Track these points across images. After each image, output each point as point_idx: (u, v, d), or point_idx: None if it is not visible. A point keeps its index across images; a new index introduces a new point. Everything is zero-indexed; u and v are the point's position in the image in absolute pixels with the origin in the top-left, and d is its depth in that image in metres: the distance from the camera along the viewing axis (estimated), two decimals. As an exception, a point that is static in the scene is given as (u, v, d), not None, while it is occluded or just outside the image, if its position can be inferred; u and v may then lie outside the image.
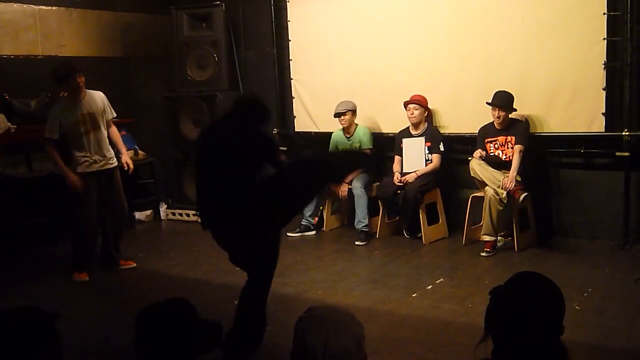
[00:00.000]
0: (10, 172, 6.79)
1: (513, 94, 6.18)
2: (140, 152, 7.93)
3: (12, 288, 5.56)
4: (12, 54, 7.05)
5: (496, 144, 6.31)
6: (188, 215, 8.05)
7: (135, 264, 6.19)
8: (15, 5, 7.07)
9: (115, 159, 6.03)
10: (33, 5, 7.22)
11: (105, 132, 5.93)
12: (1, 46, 6.98)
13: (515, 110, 6.22)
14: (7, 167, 6.81)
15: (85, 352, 4.20)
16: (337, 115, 7.02)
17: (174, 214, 8.18)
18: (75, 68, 5.72)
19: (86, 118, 5.75)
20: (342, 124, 7.06)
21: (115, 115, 6.11)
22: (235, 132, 4.05)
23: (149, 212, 8.16)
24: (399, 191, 6.60)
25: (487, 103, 6.23)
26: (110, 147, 5.98)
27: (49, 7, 7.38)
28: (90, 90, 5.88)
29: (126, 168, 6.11)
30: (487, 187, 6.07)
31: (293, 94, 7.96)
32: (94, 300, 5.36)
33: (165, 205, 8.26)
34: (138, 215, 8.03)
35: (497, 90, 6.20)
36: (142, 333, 2.08)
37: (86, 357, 4.17)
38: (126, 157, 6.16)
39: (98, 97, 5.90)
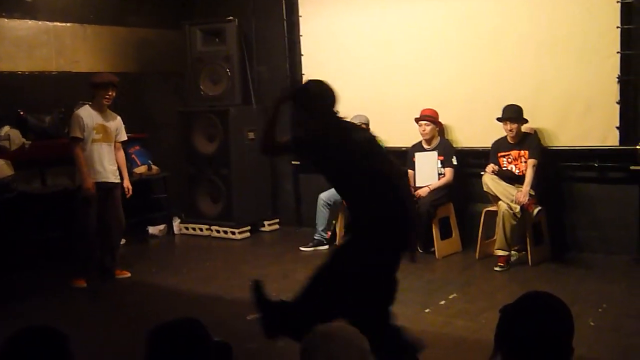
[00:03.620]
0: (24, 188, 6.82)
1: (523, 107, 6.17)
2: (153, 167, 7.96)
3: (24, 304, 5.57)
4: (27, 70, 7.10)
5: (509, 158, 6.28)
6: (201, 230, 8.06)
7: (129, 274, 6.32)
8: (30, 22, 7.13)
9: (118, 177, 6.25)
10: (48, 22, 7.29)
11: (113, 149, 6.21)
12: (16, 62, 7.03)
13: (527, 121, 6.20)
14: (21, 182, 6.84)
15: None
16: (350, 129, 7.00)
17: (187, 228, 8.19)
18: (113, 83, 6.06)
19: (101, 129, 6.07)
20: (354, 138, 7.03)
21: (126, 138, 6.42)
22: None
23: (162, 226, 8.17)
24: (411, 205, 6.57)
25: (498, 119, 6.22)
26: (115, 164, 6.23)
27: (64, 24, 7.44)
28: (112, 112, 6.23)
29: (126, 192, 6.36)
30: (500, 202, 6.04)
31: (306, 109, 7.95)
32: (106, 317, 5.36)
33: (179, 220, 8.27)
34: (151, 230, 8.05)
35: (505, 105, 6.20)
36: (152, 353, 2.07)
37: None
38: (128, 182, 6.38)
39: (117, 118, 6.27)
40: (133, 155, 7.87)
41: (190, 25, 8.03)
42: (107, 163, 6.11)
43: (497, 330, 2.06)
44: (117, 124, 6.25)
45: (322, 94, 3.75)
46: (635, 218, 6.12)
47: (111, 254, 6.27)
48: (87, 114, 6.01)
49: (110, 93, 6.03)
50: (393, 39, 7.18)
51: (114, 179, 6.18)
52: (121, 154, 6.36)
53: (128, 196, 6.36)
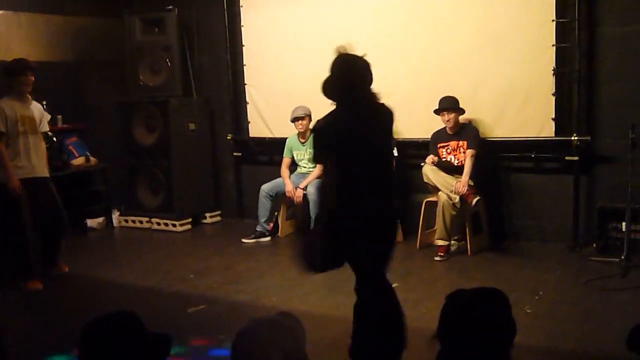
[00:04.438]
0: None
1: (462, 99, 6.26)
2: (91, 158, 7.81)
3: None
4: (-42, 58, 6.87)
5: (448, 149, 6.37)
6: (141, 222, 7.95)
7: (67, 269, 6.06)
8: (-40, 9, 6.90)
9: (47, 170, 5.91)
10: (-21, 9, 7.07)
11: (40, 140, 5.85)
12: (-53, 51, 6.80)
13: (464, 111, 6.30)
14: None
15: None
16: (296, 119, 7.00)
17: (126, 221, 8.06)
18: (30, 66, 5.68)
19: (26, 120, 5.68)
20: (298, 128, 7.04)
21: (48, 129, 6.08)
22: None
23: (101, 219, 8.02)
24: (353, 196, 6.59)
25: (435, 111, 6.30)
26: (44, 157, 5.88)
27: (-4, 11, 7.22)
28: (33, 100, 5.85)
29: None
30: (440, 192, 6.12)
31: (247, 100, 7.92)
32: (42, 312, 5.25)
33: (118, 212, 8.14)
34: (90, 222, 7.89)
35: (442, 96, 6.29)
36: (86, 347, 2.04)
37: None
38: None
39: (38, 107, 5.90)
40: (70, 147, 7.70)
41: (129, 14, 7.88)
42: (35, 156, 5.74)
43: (441, 315, 2.11)
44: (39, 113, 5.87)
45: None
46: (570, 207, 6.28)
47: (52, 251, 5.96)
48: (8, 105, 5.59)
49: (29, 78, 5.63)
50: (334, 31, 7.16)
51: (44, 173, 5.84)
52: (42, 145, 5.94)
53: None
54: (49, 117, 6.14)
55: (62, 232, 6.08)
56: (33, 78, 5.69)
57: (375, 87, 6.85)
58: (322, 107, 7.36)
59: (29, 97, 5.77)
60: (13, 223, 5.69)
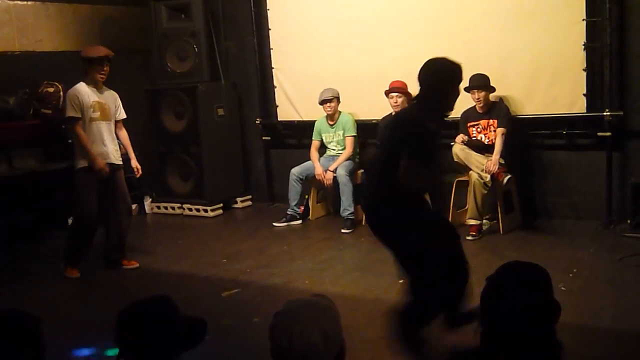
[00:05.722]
0: (-10, 171, 6.71)
1: (491, 77, 6.19)
2: (122, 146, 7.85)
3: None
4: (-11, 50, 6.96)
5: (478, 127, 6.31)
6: (173, 208, 8.01)
7: (137, 264, 5.95)
8: (-11, 1, 6.98)
9: (120, 158, 5.88)
10: (8, 1, 7.13)
11: (113, 127, 5.84)
12: (-23, 43, 6.89)
13: (494, 89, 6.23)
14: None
15: (67, 353, 4.16)
16: (324, 102, 6.99)
17: (158, 207, 8.14)
18: (107, 57, 5.70)
19: (97, 106, 5.68)
20: (327, 111, 7.03)
21: (125, 116, 6.03)
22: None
23: (133, 206, 8.06)
24: (383, 178, 6.58)
25: (465, 89, 6.23)
26: (116, 144, 5.86)
27: (25, 2, 7.28)
28: (108, 88, 5.87)
29: (136, 172, 6.04)
30: (471, 172, 6.08)
31: (275, 83, 7.92)
32: (79, 299, 5.33)
33: (150, 199, 8.21)
34: (122, 209, 7.97)
35: (472, 74, 6.21)
36: (122, 333, 2.07)
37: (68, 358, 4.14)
38: (135, 162, 6.01)
39: (113, 95, 5.91)
40: (101, 135, 7.77)
41: (155, 1, 7.90)
42: (109, 143, 5.72)
43: (481, 300, 2.09)
44: (115, 100, 5.88)
45: None
46: (603, 184, 6.21)
47: (119, 243, 5.90)
48: (83, 91, 5.63)
49: (105, 68, 5.67)
50: (360, 12, 7.14)
51: (117, 160, 5.80)
52: (124, 132, 5.99)
53: (138, 176, 6.09)
54: None
55: (127, 224, 6.00)
56: (108, 68, 5.72)
57: (402, 66, 6.84)
58: (350, 88, 7.38)
59: (103, 85, 5.79)
60: (79, 209, 5.69)
